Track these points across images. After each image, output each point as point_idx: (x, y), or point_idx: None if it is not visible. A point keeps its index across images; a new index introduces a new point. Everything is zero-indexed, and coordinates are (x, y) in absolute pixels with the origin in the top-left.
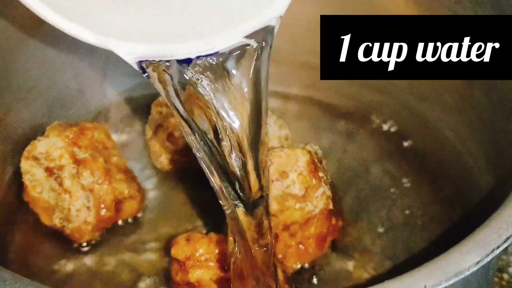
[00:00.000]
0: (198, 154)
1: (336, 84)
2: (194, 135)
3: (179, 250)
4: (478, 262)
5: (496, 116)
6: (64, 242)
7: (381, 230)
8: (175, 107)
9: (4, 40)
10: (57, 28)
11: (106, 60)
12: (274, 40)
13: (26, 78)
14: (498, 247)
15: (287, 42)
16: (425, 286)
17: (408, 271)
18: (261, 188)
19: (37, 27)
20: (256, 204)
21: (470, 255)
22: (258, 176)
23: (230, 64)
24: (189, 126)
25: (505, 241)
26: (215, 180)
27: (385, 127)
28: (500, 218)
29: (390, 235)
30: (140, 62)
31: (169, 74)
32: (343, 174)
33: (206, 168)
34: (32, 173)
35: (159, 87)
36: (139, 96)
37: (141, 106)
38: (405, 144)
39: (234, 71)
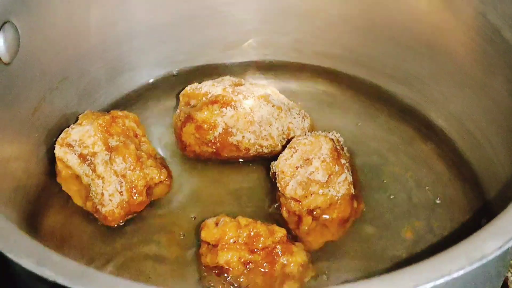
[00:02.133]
0: None
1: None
2: None
3: (209, 234)
4: (500, 247)
5: None
6: (96, 223)
7: (402, 210)
8: None
9: (37, 33)
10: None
11: (133, 50)
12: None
13: (58, 69)
14: None
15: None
16: None
17: (432, 255)
18: None
19: (68, 21)
20: None
21: (492, 241)
22: None
23: None
24: None
25: None
26: None
27: (407, 113)
28: None
29: (412, 217)
30: None
31: None
32: (367, 157)
33: None
34: (66, 159)
35: None
36: (166, 85)
37: (168, 95)
38: (426, 131)
39: None
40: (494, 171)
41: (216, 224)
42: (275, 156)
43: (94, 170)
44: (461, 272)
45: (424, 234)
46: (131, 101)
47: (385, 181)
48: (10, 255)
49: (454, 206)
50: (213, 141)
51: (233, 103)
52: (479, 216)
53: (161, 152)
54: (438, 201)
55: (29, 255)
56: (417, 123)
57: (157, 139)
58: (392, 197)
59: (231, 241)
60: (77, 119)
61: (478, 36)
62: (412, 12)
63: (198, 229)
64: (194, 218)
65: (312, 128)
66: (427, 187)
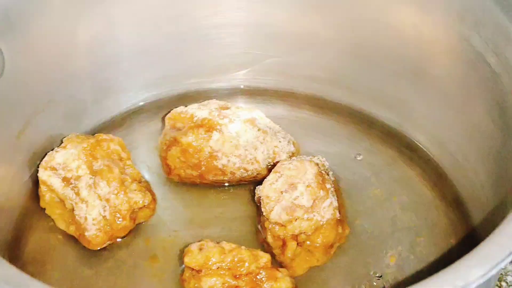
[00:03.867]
0: None
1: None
2: None
3: (193, 259)
4: (483, 275)
5: (496, 133)
6: (79, 247)
7: (386, 234)
8: None
9: (23, 56)
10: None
11: (120, 73)
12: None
13: (45, 91)
14: (502, 261)
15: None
16: None
17: (416, 282)
18: None
19: (55, 43)
20: None
21: (476, 269)
22: None
23: None
24: None
25: (508, 255)
26: None
27: (390, 135)
28: (503, 233)
29: (396, 242)
30: None
31: None
32: (351, 181)
33: None
34: (50, 182)
35: None
36: (152, 108)
37: (154, 118)
38: (409, 153)
39: None
40: (476, 193)
41: (200, 249)
42: (260, 180)
43: (77, 194)
44: None
45: (408, 259)
46: (116, 124)
47: (369, 205)
48: None
49: (438, 230)
50: (198, 165)
51: (218, 127)
52: (462, 240)
53: (146, 175)
54: (421, 225)
55: (8, 282)
56: (400, 146)
57: (142, 163)
58: (376, 221)
59: (215, 266)
60: (62, 142)
61: (461, 61)
62: (399, 37)
63: (182, 253)
64: (178, 242)
65: (297, 152)
66: (410, 211)
